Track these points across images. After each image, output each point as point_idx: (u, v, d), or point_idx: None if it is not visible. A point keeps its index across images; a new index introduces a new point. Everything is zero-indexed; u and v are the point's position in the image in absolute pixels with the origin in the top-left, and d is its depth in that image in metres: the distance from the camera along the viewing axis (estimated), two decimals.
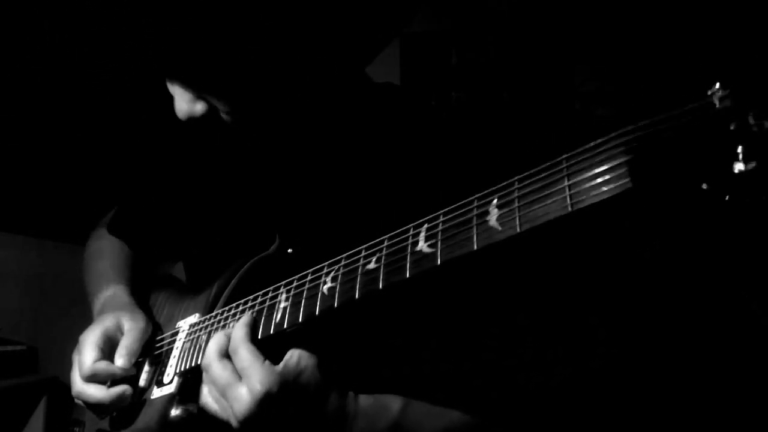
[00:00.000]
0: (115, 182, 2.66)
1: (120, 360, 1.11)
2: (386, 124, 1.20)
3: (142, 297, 1.32)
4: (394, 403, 0.99)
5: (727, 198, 0.54)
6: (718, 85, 0.55)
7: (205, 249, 1.30)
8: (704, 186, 0.54)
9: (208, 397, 0.96)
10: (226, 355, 0.94)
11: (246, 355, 0.91)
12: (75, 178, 2.79)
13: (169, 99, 1.01)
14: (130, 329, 1.15)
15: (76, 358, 1.13)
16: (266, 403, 0.88)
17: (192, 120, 0.98)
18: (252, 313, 0.99)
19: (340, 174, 1.17)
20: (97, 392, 1.09)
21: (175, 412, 1.04)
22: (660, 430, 2.05)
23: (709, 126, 0.54)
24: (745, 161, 0.52)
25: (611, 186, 0.60)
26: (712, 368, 2.13)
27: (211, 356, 0.94)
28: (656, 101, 0.60)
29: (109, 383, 1.12)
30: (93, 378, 1.10)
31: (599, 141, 0.64)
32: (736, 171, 0.52)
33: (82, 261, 1.47)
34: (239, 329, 0.95)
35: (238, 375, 0.91)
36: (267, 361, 0.91)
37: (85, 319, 1.37)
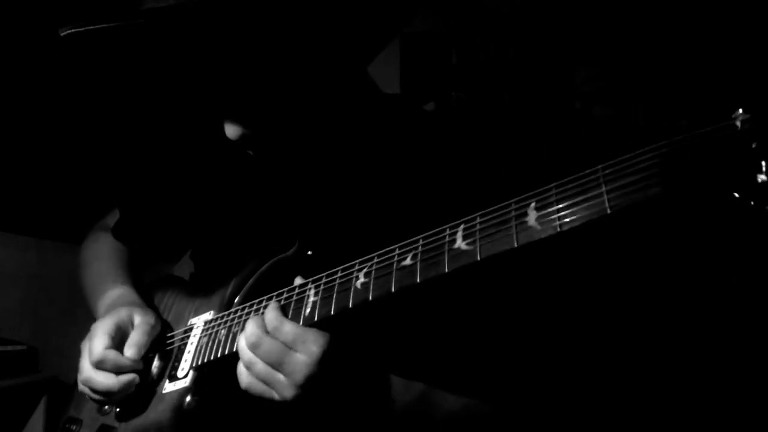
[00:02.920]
0: (117, 183, 2.67)
1: (129, 351, 1.14)
2: (401, 133, 1.23)
3: (146, 298, 1.34)
4: (417, 383, 1.05)
5: (752, 203, 0.62)
6: (741, 110, 0.63)
7: (219, 248, 1.32)
8: (736, 195, 0.63)
9: (249, 377, 0.98)
10: (270, 332, 0.97)
11: (292, 327, 0.96)
12: (75, 178, 2.79)
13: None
14: (140, 324, 1.18)
15: (86, 345, 1.15)
16: (324, 365, 0.93)
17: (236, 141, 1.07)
18: (280, 301, 1.03)
19: (358, 179, 1.20)
20: (105, 380, 1.12)
21: (189, 402, 1.09)
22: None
23: (733, 144, 0.63)
24: None
25: (646, 192, 0.68)
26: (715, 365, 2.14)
27: (256, 334, 0.96)
28: (682, 118, 0.68)
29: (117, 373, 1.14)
30: (101, 365, 1.12)
31: (634, 153, 0.71)
32: (759, 181, 0.61)
33: (78, 265, 1.48)
34: (272, 312, 0.99)
35: (289, 347, 0.94)
36: (313, 329, 0.95)
37: (85, 319, 1.38)
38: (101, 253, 1.45)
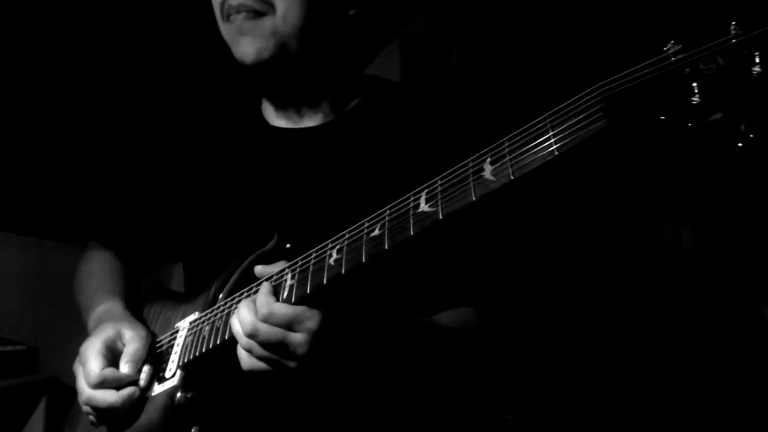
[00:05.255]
0: (110, 185, 2.69)
1: (126, 367, 1.16)
2: (377, 123, 1.24)
3: (135, 309, 1.35)
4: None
5: (690, 125, 0.66)
6: (672, 42, 0.67)
7: (204, 253, 1.33)
8: (662, 117, 0.67)
9: (250, 359, 1.00)
10: (263, 320, 0.98)
11: (285, 309, 0.97)
12: (75, 178, 2.81)
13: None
14: (133, 337, 1.19)
15: (79, 369, 1.16)
16: (323, 337, 0.97)
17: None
18: (271, 283, 1.04)
19: (335, 171, 1.21)
20: (108, 396, 1.13)
21: (179, 399, 1.10)
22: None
23: (668, 73, 0.67)
24: (700, 95, 0.64)
25: (590, 128, 0.71)
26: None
27: (251, 323, 0.98)
28: (622, 59, 0.72)
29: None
30: (101, 384, 1.13)
31: (576, 97, 0.74)
32: (693, 103, 0.65)
33: (74, 286, 1.50)
34: (263, 296, 1.00)
35: (286, 329, 0.97)
36: (303, 306, 0.98)
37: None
38: (92, 272, 1.47)
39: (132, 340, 1.18)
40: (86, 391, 1.13)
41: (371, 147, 1.21)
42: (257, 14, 1.13)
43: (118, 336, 1.19)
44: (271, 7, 1.13)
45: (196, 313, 1.20)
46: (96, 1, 2.42)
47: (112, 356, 1.17)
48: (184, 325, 1.21)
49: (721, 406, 2.22)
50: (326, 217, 1.15)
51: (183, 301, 1.29)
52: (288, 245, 1.14)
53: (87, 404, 1.15)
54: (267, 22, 1.13)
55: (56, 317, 2.76)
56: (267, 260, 1.12)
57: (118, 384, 1.14)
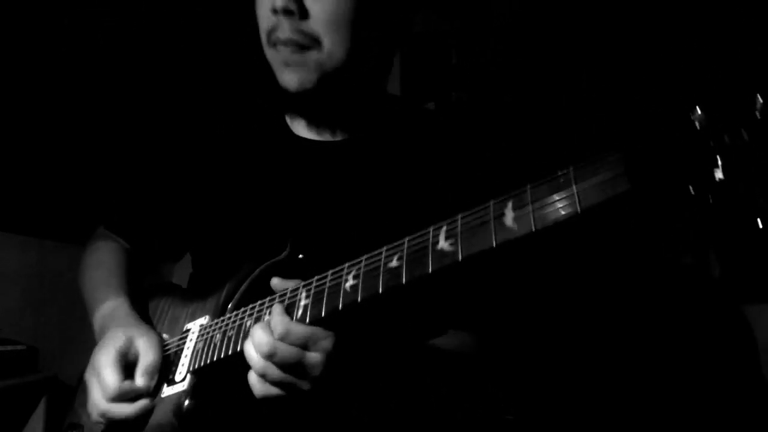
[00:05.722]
0: (116, 181, 2.68)
1: (142, 379, 1.16)
2: (392, 135, 1.26)
3: (141, 306, 1.35)
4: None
5: (710, 200, 0.66)
6: (698, 110, 0.66)
7: (215, 250, 1.33)
8: (684, 187, 0.66)
9: (264, 385, 1.00)
10: (280, 338, 0.98)
11: (302, 329, 0.98)
12: (75, 178, 2.80)
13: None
14: (147, 348, 1.19)
15: (94, 380, 1.16)
16: (338, 357, 0.99)
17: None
18: (283, 303, 1.04)
19: (355, 188, 1.23)
20: (125, 409, 1.14)
21: (188, 405, 1.11)
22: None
23: (692, 143, 0.66)
24: (723, 170, 0.64)
25: (614, 189, 0.72)
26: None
27: (269, 342, 0.97)
28: (647, 118, 0.71)
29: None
30: (120, 398, 1.14)
31: (601, 153, 0.75)
32: (717, 178, 0.64)
33: (78, 274, 1.49)
34: (279, 316, 1.00)
35: (303, 348, 0.98)
36: (317, 326, 0.99)
37: (86, 320, 1.38)
38: (100, 262, 1.46)
39: (146, 352, 1.18)
40: (103, 405, 1.14)
41: (392, 168, 1.23)
42: (303, 48, 1.14)
43: (130, 343, 1.19)
44: (318, 43, 1.13)
45: (207, 317, 1.21)
46: (96, 1, 2.40)
47: (125, 365, 1.17)
48: (194, 328, 1.22)
49: (712, 406, 2.25)
50: (341, 232, 1.18)
51: (192, 300, 1.30)
52: (300, 255, 1.15)
53: (103, 416, 1.15)
54: (312, 56, 1.14)
55: (56, 317, 2.76)
56: (279, 269, 1.14)
57: (134, 396, 1.15)
